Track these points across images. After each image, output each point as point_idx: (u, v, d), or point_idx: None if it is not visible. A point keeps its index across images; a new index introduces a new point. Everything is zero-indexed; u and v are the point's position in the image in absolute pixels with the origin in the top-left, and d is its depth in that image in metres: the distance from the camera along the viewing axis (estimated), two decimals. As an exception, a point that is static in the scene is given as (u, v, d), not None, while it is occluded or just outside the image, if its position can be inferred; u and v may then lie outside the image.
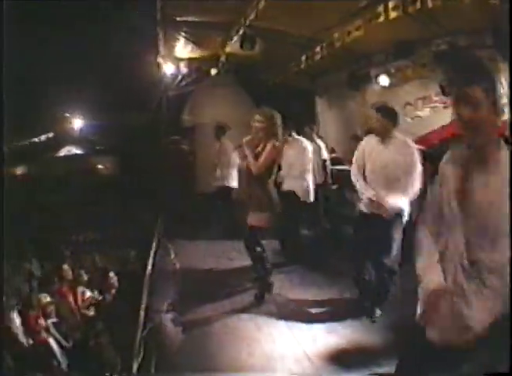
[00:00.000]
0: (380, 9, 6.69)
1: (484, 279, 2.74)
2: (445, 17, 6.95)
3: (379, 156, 6.16)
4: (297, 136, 9.33)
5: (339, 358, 5.53)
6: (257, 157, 6.77)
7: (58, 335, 8.01)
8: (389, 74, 9.85)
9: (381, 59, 9.86)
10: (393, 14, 6.51)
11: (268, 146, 6.69)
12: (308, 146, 9.19)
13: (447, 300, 2.89)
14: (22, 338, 8.48)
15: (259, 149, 6.80)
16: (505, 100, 7.11)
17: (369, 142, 6.40)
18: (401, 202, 6.02)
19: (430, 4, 5.83)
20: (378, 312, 6.45)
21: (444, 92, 8.11)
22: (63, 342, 8.00)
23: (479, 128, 2.76)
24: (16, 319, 8.79)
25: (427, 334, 3.03)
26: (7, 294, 9.52)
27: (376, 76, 10.14)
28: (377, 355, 5.47)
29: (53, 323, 8.27)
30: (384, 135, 6.11)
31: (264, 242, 7.16)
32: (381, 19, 6.78)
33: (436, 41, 8.19)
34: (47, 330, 7.87)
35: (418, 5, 5.98)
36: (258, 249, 7.09)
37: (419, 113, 9.48)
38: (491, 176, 2.72)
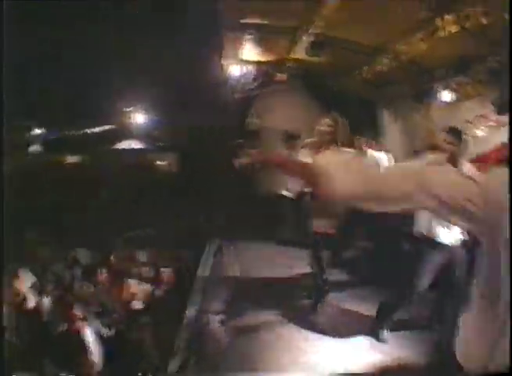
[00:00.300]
0: (439, 22, 6.63)
1: None
2: (497, 35, 6.83)
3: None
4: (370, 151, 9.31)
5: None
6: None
7: (97, 324, 8.09)
8: (451, 90, 9.70)
9: (443, 74, 9.73)
10: (451, 28, 6.46)
11: (329, 151, 6.63)
12: (372, 156, 9.19)
13: None
14: (53, 325, 8.67)
15: (321, 152, 6.76)
16: None
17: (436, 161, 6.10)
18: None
19: (484, 21, 5.76)
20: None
21: (498, 111, 7.96)
22: (103, 331, 8.06)
23: None
24: (48, 305, 8.99)
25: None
26: (44, 279, 9.72)
27: (439, 91, 10.01)
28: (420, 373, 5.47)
29: (94, 312, 8.35)
30: (454, 159, 5.92)
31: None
32: (441, 33, 6.72)
33: (490, 58, 8.05)
34: (85, 318, 7.95)
35: (473, 20, 5.92)
36: (321, 257, 7.21)
37: (477, 131, 9.31)
38: None
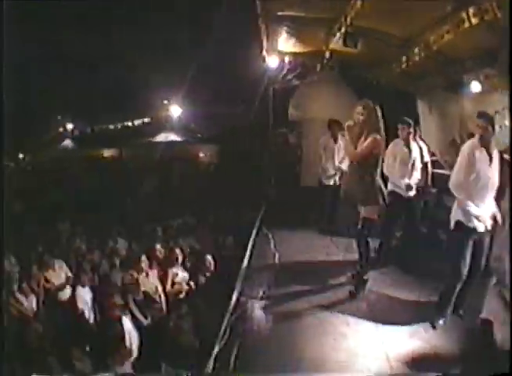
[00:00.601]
0: (463, 14, 6.81)
1: None
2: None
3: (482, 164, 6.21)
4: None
5: (417, 361, 5.67)
6: (357, 144, 7.17)
7: (137, 313, 8.24)
8: (479, 81, 9.79)
9: (472, 66, 9.83)
10: (474, 21, 6.63)
11: (369, 139, 7.05)
12: (414, 146, 9.37)
13: None
14: (88, 314, 8.98)
15: (361, 140, 7.15)
16: None
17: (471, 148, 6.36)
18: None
19: (498, 14, 5.93)
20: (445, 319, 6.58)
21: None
22: (142, 319, 8.22)
23: None
24: (84, 295, 9.30)
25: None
26: (80, 270, 9.99)
27: (469, 82, 10.10)
28: (455, 361, 5.65)
29: (134, 300, 8.49)
30: (488, 143, 6.23)
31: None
32: (466, 25, 6.89)
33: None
34: (125, 307, 8.07)
35: (491, 14, 6.10)
36: (368, 242, 7.48)
37: (506, 121, 9.37)
38: None
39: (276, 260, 9.11)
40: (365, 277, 7.58)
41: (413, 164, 9.31)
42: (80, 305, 9.05)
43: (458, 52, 9.30)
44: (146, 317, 8.24)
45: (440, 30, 8.10)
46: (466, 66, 10.00)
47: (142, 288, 9.00)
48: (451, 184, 6.38)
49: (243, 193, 14.94)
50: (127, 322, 7.52)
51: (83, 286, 9.41)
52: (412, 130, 9.59)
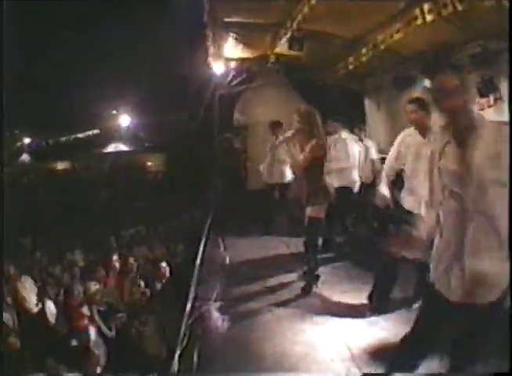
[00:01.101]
0: (417, 11, 6.77)
1: None
2: (476, 21, 6.95)
3: (420, 149, 6.14)
4: (344, 135, 9.51)
5: (380, 350, 5.60)
6: (301, 152, 7.05)
7: (102, 323, 8.18)
8: (431, 76, 9.82)
9: (423, 62, 9.85)
10: (429, 17, 6.59)
11: (311, 144, 6.91)
12: (353, 143, 9.41)
13: None
14: (59, 327, 8.77)
15: (304, 145, 7.03)
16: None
17: (407, 134, 6.43)
18: None
19: (459, 7, 5.88)
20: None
21: (481, 94, 8.10)
22: (106, 331, 8.16)
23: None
24: (52, 308, 9.10)
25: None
26: (45, 283, 9.83)
27: (420, 78, 10.14)
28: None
29: (98, 310, 8.44)
30: (423, 127, 6.14)
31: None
32: (419, 21, 6.85)
33: (471, 44, 8.18)
34: (90, 318, 8.04)
35: (450, 8, 6.04)
36: (316, 240, 7.40)
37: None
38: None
39: (227, 263, 9.07)
40: (316, 273, 7.53)
41: (357, 161, 9.68)
42: (49, 317, 8.88)
43: (409, 49, 9.31)
44: (109, 328, 8.17)
45: (389, 30, 8.06)
46: (417, 62, 10.04)
47: (104, 299, 8.89)
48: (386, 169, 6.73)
49: (190, 199, 14.94)
50: (93, 331, 7.47)
51: (50, 298, 9.22)
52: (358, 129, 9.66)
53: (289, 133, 7.35)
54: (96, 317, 8.21)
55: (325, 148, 7.23)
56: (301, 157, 7.00)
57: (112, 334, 8.15)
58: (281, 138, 7.82)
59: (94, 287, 9.15)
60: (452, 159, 3.25)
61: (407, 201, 6.45)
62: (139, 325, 7.76)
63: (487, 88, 8.11)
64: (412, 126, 6.36)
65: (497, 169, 2.99)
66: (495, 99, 8.08)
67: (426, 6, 6.55)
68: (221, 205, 12.96)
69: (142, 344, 7.32)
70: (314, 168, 7.08)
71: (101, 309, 8.54)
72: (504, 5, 5.28)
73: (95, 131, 21.28)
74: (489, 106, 8.44)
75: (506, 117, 7.46)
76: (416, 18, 6.90)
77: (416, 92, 8.21)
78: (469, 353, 3.56)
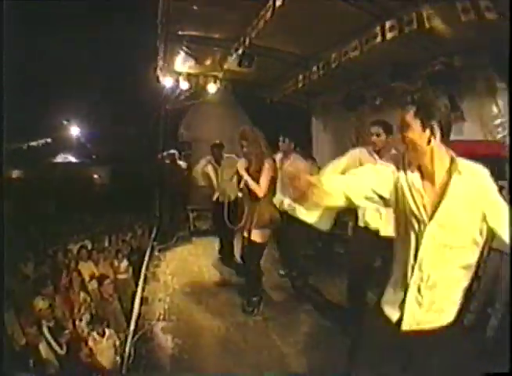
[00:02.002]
0: (377, 29, 6.66)
1: None
2: (441, 37, 6.90)
3: None
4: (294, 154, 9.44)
5: (324, 372, 5.57)
6: (255, 178, 6.81)
7: (52, 340, 7.94)
8: (384, 95, 9.80)
9: (378, 80, 9.82)
10: (389, 35, 6.47)
11: (265, 166, 6.76)
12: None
13: None
14: (18, 339, 8.47)
15: (256, 170, 6.84)
16: (500, 120, 7.04)
17: (358, 151, 6.53)
18: None
19: (427, 24, 5.79)
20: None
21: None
22: (57, 348, 7.91)
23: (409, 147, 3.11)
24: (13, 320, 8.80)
25: None
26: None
27: (373, 97, 10.10)
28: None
29: (48, 327, 8.19)
30: (382, 149, 6.18)
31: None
32: (378, 39, 6.74)
33: (432, 62, 8.15)
34: (41, 333, 7.80)
35: (414, 25, 5.94)
36: (256, 264, 7.17)
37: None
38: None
39: (169, 282, 8.90)
40: (259, 295, 7.43)
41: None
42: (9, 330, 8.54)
43: (363, 67, 9.22)
44: (60, 346, 7.91)
45: (345, 47, 7.94)
46: (370, 81, 9.99)
47: (52, 314, 8.63)
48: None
49: (134, 215, 14.81)
50: (43, 348, 7.23)
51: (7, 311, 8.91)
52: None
53: (242, 163, 7.07)
54: (46, 334, 7.97)
55: (276, 168, 7.07)
56: (263, 187, 6.77)
57: (62, 352, 7.92)
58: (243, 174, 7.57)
59: (41, 302, 8.88)
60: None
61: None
62: (90, 341, 7.58)
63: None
64: (367, 147, 6.40)
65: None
66: (455, 118, 8.06)
67: (388, 24, 6.45)
68: (164, 222, 12.81)
69: (93, 360, 7.06)
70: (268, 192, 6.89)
71: (50, 324, 8.32)
72: (488, 18, 5.20)
73: (48, 140, 20.93)
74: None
75: (465, 137, 7.48)
76: (375, 36, 6.79)
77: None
78: None
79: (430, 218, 3.04)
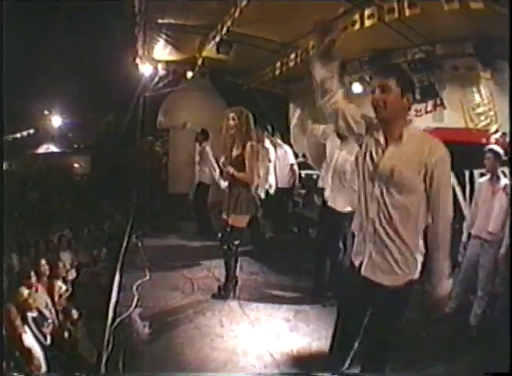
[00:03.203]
0: (356, 17, 6.60)
1: None
2: (423, 26, 6.87)
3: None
4: (267, 142, 9.44)
5: (302, 355, 5.62)
6: (239, 161, 6.81)
7: (35, 329, 7.88)
8: (363, 82, 9.78)
9: (356, 67, 9.79)
10: (368, 22, 6.43)
11: (248, 149, 6.73)
12: (270, 148, 9.61)
13: None
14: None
15: (238, 152, 6.82)
16: (482, 109, 7.06)
17: (333, 141, 6.85)
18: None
19: (407, 12, 5.75)
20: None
21: (419, 99, 8.08)
22: (41, 337, 7.86)
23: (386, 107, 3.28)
24: None
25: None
26: None
27: (350, 83, 10.08)
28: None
29: (33, 317, 8.14)
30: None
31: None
32: (357, 27, 6.69)
33: (413, 50, 8.14)
34: (25, 324, 7.75)
35: (395, 14, 5.90)
36: (234, 247, 7.16)
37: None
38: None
39: (147, 268, 8.84)
40: (236, 278, 7.48)
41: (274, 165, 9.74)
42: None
43: (341, 54, 9.19)
44: (44, 335, 7.86)
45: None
46: (349, 68, 9.96)
47: (35, 304, 8.59)
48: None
49: (113, 203, 14.72)
50: (28, 338, 7.15)
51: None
52: (266, 133, 9.60)
53: (224, 158, 7.12)
54: (31, 324, 7.93)
55: (258, 150, 7.09)
56: (247, 169, 6.78)
57: (46, 342, 7.88)
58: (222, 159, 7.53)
59: (26, 292, 8.84)
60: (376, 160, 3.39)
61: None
62: (71, 329, 7.51)
63: (426, 94, 8.10)
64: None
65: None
66: (435, 106, 8.07)
67: (367, 11, 6.40)
68: (140, 209, 12.76)
69: (77, 348, 7.02)
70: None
71: (34, 315, 8.28)
72: (473, 7, 5.17)
73: (31, 131, 20.70)
74: (427, 112, 8.42)
75: (445, 124, 7.51)
76: (353, 23, 6.73)
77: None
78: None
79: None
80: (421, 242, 3.41)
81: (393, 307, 3.48)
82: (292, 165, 10.47)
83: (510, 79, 5.26)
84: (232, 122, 6.82)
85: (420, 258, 3.40)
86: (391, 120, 3.30)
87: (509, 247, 6.01)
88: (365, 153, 3.48)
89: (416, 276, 3.42)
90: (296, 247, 9.94)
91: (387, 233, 3.36)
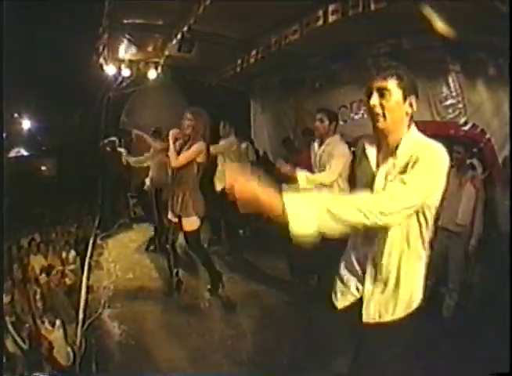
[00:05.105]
0: (320, 13, 6.57)
1: None
2: (388, 19, 6.86)
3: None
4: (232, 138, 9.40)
5: (271, 352, 5.67)
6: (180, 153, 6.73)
7: (16, 335, 7.79)
8: (325, 77, 9.80)
9: (318, 63, 9.79)
10: (332, 18, 6.40)
11: (195, 146, 6.64)
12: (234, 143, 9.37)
13: None
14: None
15: (186, 147, 6.76)
16: (451, 101, 7.11)
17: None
18: None
19: (372, 7, 5.72)
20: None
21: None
22: (21, 343, 7.76)
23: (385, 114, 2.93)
24: None
25: None
26: None
27: (312, 79, 10.10)
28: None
29: (11, 322, 8.04)
30: (325, 136, 6.37)
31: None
32: (320, 22, 6.66)
33: (378, 45, 8.15)
34: (5, 329, 7.65)
35: (360, 8, 5.88)
36: (202, 249, 7.23)
37: (354, 115, 9.45)
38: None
39: (112, 269, 8.97)
40: (220, 274, 7.46)
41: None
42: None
43: (303, 50, 9.17)
44: (23, 340, 7.76)
45: (285, 31, 7.84)
46: (310, 63, 9.95)
47: (13, 309, 8.47)
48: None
49: (79, 205, 14.61)
50: (10, 344, 7.06)
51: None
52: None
53: (176, 130, 6.93)
54: (11, 329, 7.83)
55: (208, 155, 6.95)
56: (182, 156, 6.69)
57: (26, 346, 7.79)
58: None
59: (5, 297, 8.74)
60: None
61: None
62: (47, 333, 7.44)
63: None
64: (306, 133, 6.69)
65: None
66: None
67: (331, 7, 6.37)
68: (106, 210, 12.67)
69: (51, 351, 6.93)
70: (188, 174, 6.82)
71: (13, 319, 8.18)
72: None
73: (4, 135, 20.48)
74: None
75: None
76: (316, 19, 6.70)
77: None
78: None
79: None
80: None
81: None
82: (251, 163, 10.38)
83: (510, 79, 5.28)
84: (187, 122, 6.74)
85: None
86: (391, 130, 2.95)
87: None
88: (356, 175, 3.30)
89: None
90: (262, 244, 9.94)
91: None
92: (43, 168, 19.44)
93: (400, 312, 3.05)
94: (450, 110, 7.54)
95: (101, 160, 13.67)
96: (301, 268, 7.37)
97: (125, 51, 10.75)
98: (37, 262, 10.90)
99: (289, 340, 5.82)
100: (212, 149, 7.59)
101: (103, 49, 10.27)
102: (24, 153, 20.45)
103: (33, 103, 17.33)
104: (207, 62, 11.60)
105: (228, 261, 9.11)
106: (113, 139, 13.19)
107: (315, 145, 6.58)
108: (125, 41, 9.80)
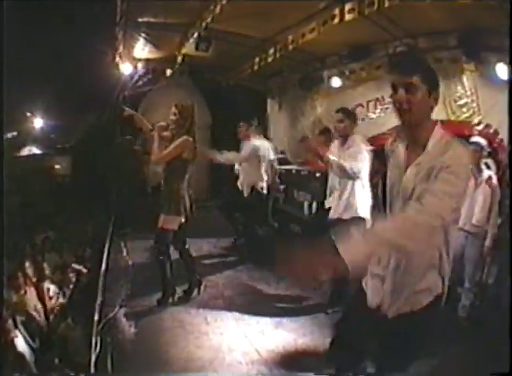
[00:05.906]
0: (336, 11, 6.61)
1: None
2: (405, 19, 6.89)
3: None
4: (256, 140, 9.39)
5: (287, 351, 5.61)
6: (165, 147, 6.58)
7: (25, 333, 7.81)
8: (342, 76, 9.80)
9: (335, 61, 9.81)
10: (348, 16, 6.43)
11: (178, 141, 6.48)
12: (261, 144, 9.30)
13: None
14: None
15: (172, 141, 6.60)
16: (465, 100, 7.12)
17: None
18: None
19: (387, 3, 5.74)
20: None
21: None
22: (31, 342, 7.78)
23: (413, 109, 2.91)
24: None
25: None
26: None
27: (329, 78, 10.11)
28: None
29: (22, 321, 8.06)
30: (344, 136, 6.37)
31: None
32: (336, 21, 6.69)
33: (394, 44, 8.17)
34: (16, 328, 7.66)
35: (375, 6, 5.91)
36: (164, 253, 6.95)
37: (370, 114, 9.44)
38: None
39: (130, 268, 8.92)
40: (198, 279, 7.42)
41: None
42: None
43: (320, 48, 9.20)
44: (33, 339, 7.78)
45: (302, 29, 7.85)
46: (328, 62, 9.97)
47: (24, 307, 8.53)
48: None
49: (94, 203, 14.62)
50: (19, 342, 7.08)
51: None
52: (251, 129, 9.54)
53: (162, 123, 6.88)
54: (21, 328, 7.84)
55: (194, 151, 6.68)
56: (164, 151, 6.53)
57: (36, 345, 7.80)
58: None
59: (16, 296, 8.77)
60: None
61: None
62: (63, 330, 7.46)
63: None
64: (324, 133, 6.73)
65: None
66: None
67: (347, 6, 6.39)
68: (122, 208, 12.71)
69: (66, 350, 6.96)
70: (174, 171, 6.66)
71: (22, 318, 8.20)
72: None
73: (14, 134, 20.45)
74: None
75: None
76: (333, 18, 6.73)
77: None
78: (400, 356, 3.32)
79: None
80: None
81: None
82: (272, 161, 10.38)
83: (510, 79, 5.29)
84: (173, 117, 6.64)
85: None
86: (418, 124, 2.97)
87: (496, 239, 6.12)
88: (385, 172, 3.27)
89: None
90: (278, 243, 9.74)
91: None
92: (57, 166, 19.50)
93: None
94: (464, 109, 7.54)
95: (117, 159, 13.71)
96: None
97: (142, 49, 10.77)
98: (51, 260, 10.99)
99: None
100: (234, 157, 7.65)
101: (119, 48, 10.31)
102: (37, 151, 20.48)
103: (46, 102, 17.36)
104: (224, 60, 11.65)
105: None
106: (129, 137, 13.26)
107: (336, 145, 6.58)
108: (141, 39, 9.84)
